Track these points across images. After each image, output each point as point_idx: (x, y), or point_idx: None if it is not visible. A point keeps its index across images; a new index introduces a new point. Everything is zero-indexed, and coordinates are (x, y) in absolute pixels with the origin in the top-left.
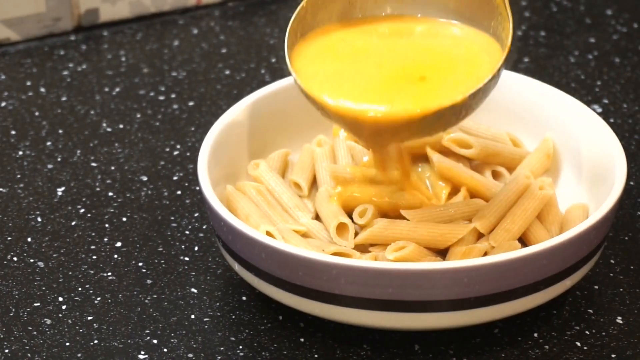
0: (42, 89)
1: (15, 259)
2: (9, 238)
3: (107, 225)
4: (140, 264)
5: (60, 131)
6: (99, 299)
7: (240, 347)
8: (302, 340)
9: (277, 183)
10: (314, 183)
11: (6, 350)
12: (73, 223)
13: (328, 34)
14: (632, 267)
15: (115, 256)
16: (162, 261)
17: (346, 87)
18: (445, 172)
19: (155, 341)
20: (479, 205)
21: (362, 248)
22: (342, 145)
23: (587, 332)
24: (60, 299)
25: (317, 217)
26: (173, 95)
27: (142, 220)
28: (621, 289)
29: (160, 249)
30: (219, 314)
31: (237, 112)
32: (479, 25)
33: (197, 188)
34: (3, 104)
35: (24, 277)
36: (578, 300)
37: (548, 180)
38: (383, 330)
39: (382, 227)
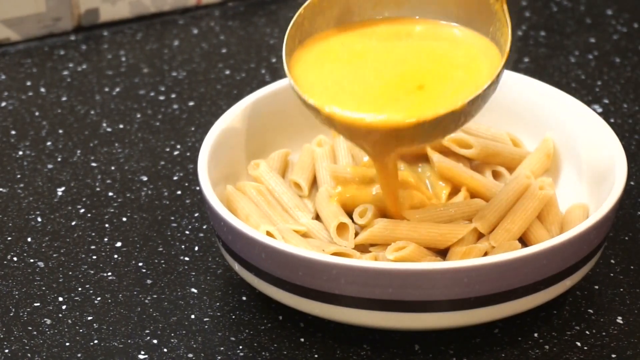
0: (42, 89)
1: (15, 259)
2: (9, 238)
3: (107, 225)
4: (140, 264)
5: (60, 131)
6: (99, 299)
7: (240, 347)
8: (302, 340)
9: (277, 183)
10: (314, 183)
11: (6, 350)
12: (73, 223)
13: (326, 39)
14: (632, 267)
15: (115, 256)
16: (162, 261)
17: (344, 96)
18: (446, 172)
19: (155, 341)
20: (479, 205)
21: (362, 248)
22: (342, 145)
23: (587, 332)
24: (60, 299)
25: (317, 217)
26: (173, 95)
27: (142, 220)
28: (621, 289)
29: (160, 249)
30: (219, 314)
31: (237, 112)
32: (478, 30)
33: (197, 188)
34: (3, 104)
35: (24, 277)
36: (578, 300)
37: (548, 180)
38: (383, 330)
39: (382, 227)
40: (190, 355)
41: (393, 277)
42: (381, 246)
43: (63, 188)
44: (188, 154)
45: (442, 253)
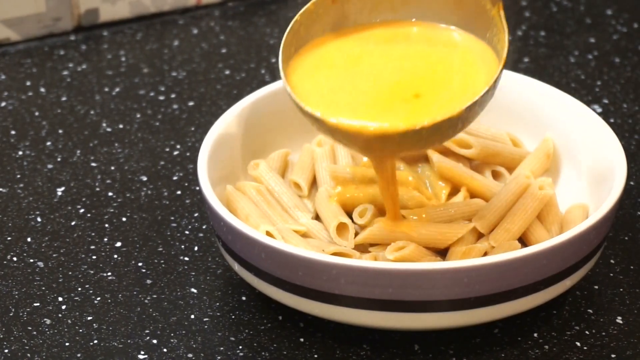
0: (42, 89)
1: (15, 259)
2: (9, 238)
3: (107, 225)
4: (140, 264)
5: (60, 131)
6: (98, 299)
7: (240, 347)
8: (301, 340)
9: (277, 183)
10: (314, 183)
11: (6, 350)
12: (73, 223)
13: (323, 45)
14: (632, 267)
15: (115, 256)
16: (162, 261)
17: (341, 104)
18: (445, 172)
19: (155, 341)
20: (479, 205)
21: (362, 248)
22: None
23: (587, 332)
24: (60, 299)
25: (317, 217)
26: (173, 95)
27: (142, 220)
28: (621, 289)
29: (160, 249)
30: (218, 314)
31: (237, 112)
32: (474, 34)
33: (197, 188)
34: (3, 104)
35: (23, 277)
36: (578, 300)
37: (548, 180)
38: (383, 330)
39: (382, 226)
40: (190, 355)
41: (393, 277)
42: (381, 246)
43: (63, 188)
44: (188, 154)
45: (442, 253)
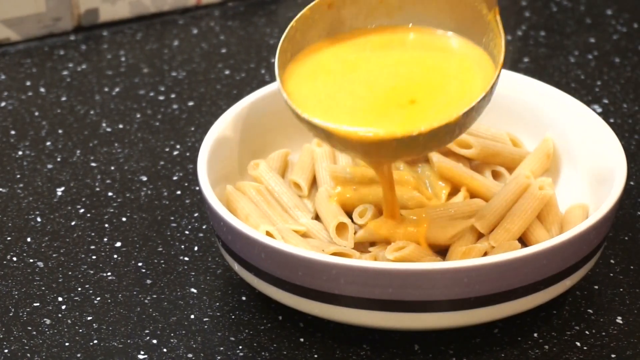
0: (42, 89)
1: (14, 259)
2: (9, 238)
3: (106, 225)
4: (139, 264)
5: (60, 131)
6: (98, 299)
7: (240, 347)
8: (301, 340)
9: (277, 183)
10: (313, 183)
11: (5, 350)
12: (73, 223)
13: (319, 51)
14: (632, 267)
15: (115, 256)
16: (162, 261)
17: (338, 110)
18: (445, 172)
19: (154, 341)
20: (479, 205)
21: (362, 248)
22: None
23: (587, 332)
24: (60, 299)
25: (317, 217)
26: (173, 95)
27: (142, 220)
28: (621, 289)
29: (160, 249)
30: (218, 314)
31: (237, 112)
32: (471, 39)
33: (197, 188)
34: (3, 104)
35: (23, 277)
36: (578, 300)
37: (548, 180)
38: (383, 330)
39: (381, 223)
40: (189, 355)
41: (393, 277)
42: (381, 246)
43: (63, 188)
44: (188, 154)
45: (442, 253)
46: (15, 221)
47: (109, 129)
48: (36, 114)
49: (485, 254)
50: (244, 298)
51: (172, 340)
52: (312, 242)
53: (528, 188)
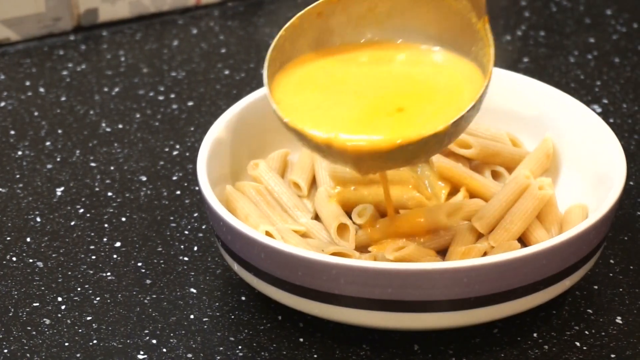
0: (42, 89)
1: (14, 259)
2: (8, 238)
3: (106, 225)
4: (139, 264)
5: (60, 131)
6: (98, 299)
7: (240, 347)
8: (301, 340)
9: (276, 183)
10: (313, 183)
11: (5, 350)
12: (72, 223)
13: (307, 63)
14: (631, 267)
15: (115, 256)
16: (162, 261)
17: (325, 121)
18: (445, 172)
19: (154, 341)
20: (479, 205)
21: (362, 248)
22: None
23: (586, 332)
24: (60, 299)
25: (317, 217)
26: (172, 95)
27: (142, 220)
28: (621, 289)
29: (160, 249)
30: (218, 314)
31: (236, 112)
32: (459, 50)
33: (197, 188)
34: (2, 104)
35: (23, 277)
36: (578, 300)
37: (548, 180)
38: (383, 330)
39: (382, 222)
40: (189, 355)
41: (393, 277)
42: (381, 246)
43: (62, 188)
44: (187, 154)
45: (442, 253)
46: (15, 221)
47: (108, 129)
48: (36, 114)
49: (484, 254)
50: (243, 298)
51: (171, 340)
52: (311, 242)
53: (528, 188)
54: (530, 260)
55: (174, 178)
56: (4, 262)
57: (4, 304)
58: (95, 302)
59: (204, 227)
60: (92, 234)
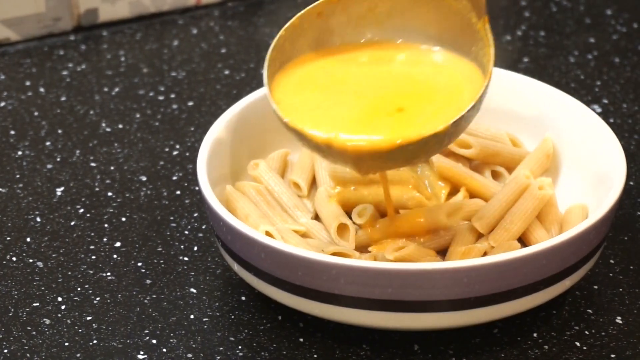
0: (42, 89)
1: (14, 259)
2: (8, 238)
3: (106, 225)
4: (139, 264)
5: (60, 131)
6: (98, 299)
7: (240, 347)
8: (301, 340)
9: (276, 183)
10: (313, 183)
11: (5, 350)
12: (72, 223)
13: (307, 63)
14: (631, 267)
15: (115, 256)
16: (162, 261)
17: (325, 121)
18: (445, 172)
19: (154, 341)
20: (479, 205)
21: (362, 248)
22: None
23: (586, 332)
24: (60, 299)
25: (317, 217)
26: (172, 95)
27: (142, 220)
28: (621, 289)
29: (160, 249)
30: (218, 314)
31: (236, 112)
32: (459, 50)
33: (197, 188)
34: (2, 104)
35: (23, 277)
36: (578, 300)
37: (548, 180)
38: (383, 330)
39: (382, 221)
40: (189, 355)
41: (393, 277)
42: (381, 246)
43: (62, 188)
44: (187, 154)
45: (442, 253)
46: (15, 221)
47: (108, 129)
48: (36, 114)
49: (484, 254)
50: (243, 298)
51: (171, 340)
52: (311, 242)
53: (528, 188)
54: (530, 260)
55: (174, 178)
56: (4, 262)
57: (4, 304)
58: (95, 302)
59: (204, 227)
60: (92, 234)
